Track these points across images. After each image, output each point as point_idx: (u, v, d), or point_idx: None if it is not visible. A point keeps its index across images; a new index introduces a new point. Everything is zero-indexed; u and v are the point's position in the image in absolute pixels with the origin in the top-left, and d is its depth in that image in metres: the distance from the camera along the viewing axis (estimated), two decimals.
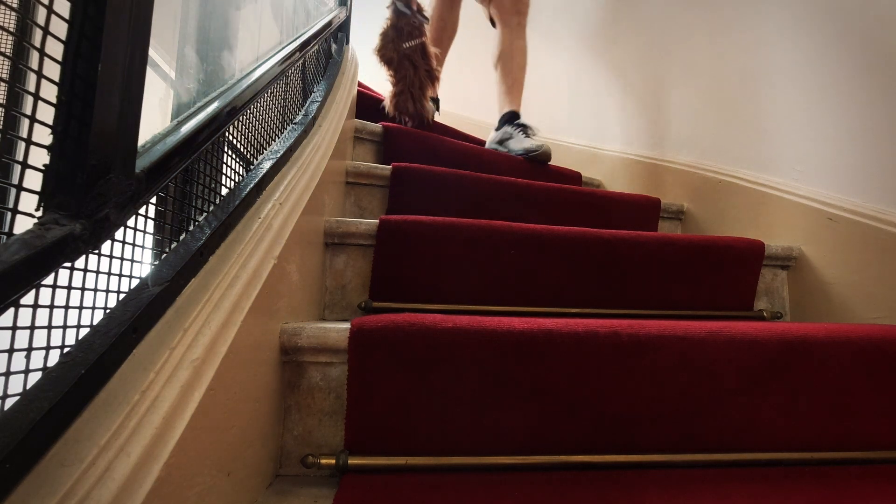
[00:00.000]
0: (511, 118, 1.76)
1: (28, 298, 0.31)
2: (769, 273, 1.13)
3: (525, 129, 1.73)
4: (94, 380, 0.35)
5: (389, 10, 1.69)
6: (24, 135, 0.31)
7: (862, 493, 0.60)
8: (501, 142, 1.76)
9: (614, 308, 1.01)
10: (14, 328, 0.31)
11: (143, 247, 0.45)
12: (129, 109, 0.39)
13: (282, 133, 0.88)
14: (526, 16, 1.81)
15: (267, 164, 0.72)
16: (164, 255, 0.48)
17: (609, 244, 1.02)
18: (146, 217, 0.45)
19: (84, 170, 0.35)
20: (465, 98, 2.80)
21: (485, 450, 0.64)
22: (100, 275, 0.39)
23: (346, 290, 0.96)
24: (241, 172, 0.68)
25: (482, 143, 1.90)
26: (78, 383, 0.33)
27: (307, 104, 1.08)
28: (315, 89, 1.19)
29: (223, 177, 0.63)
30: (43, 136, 0.33)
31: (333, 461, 0.61)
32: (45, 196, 0.34)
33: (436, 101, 1.98)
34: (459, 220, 1.00)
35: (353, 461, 0.61)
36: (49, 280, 0.33)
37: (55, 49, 0.34)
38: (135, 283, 0.43)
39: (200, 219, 0.55)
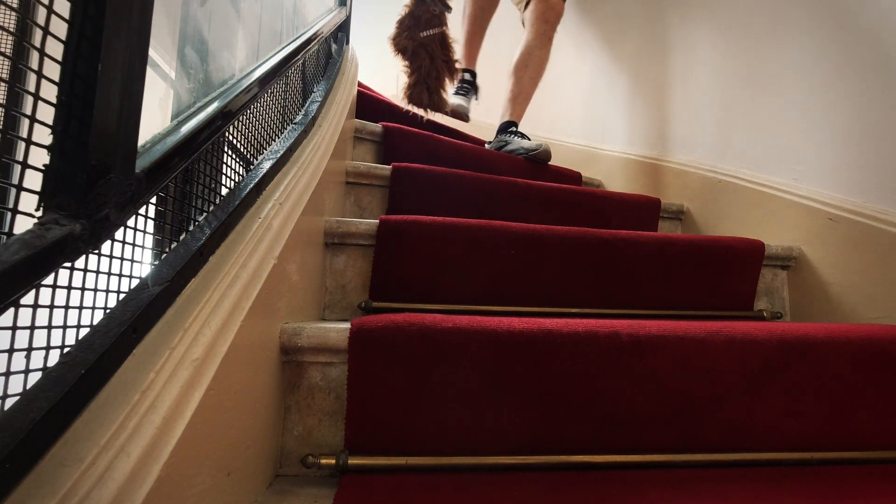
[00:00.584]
0: (507, 127, 1.74)
1: (28, 298, 0.31)
2: (769, 273, 1.13)
3: (521, 134, 1.71)
4: (94, 380, 0.35)
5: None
6: (24, 135, 0.31)
7: (862, 493, 0.60)
8: (498, 150, 1.74)
9: (614, 308, 1.01)
10: (14, 328, 0.31)
11: (143, 247, 0.45)
12: (129, 109, 0.39)
13: (282, 133, 0.88)
14: (554, 27, 1.72)
15: (267, 164, 0.72)
16: (165, 255, 0.48)
17: (609, 244, 1.02)
18: (146, 217, 0.45)
19: (84, 170, 0.35)
20: None
21: (485, 450, 0.64)
22: (100, 275, 0.39)
23: (346, 290, 0.96)
24: (241, 172, 0.68)
25: (482, 143, 1.90)
26: (78, 383, 0.33)
27: (307, 104, 1.08)
28: (315, 89, 1.19)
29: (223, 177, 0.63)
30: (43, 136, 0.33)
31: (333, 461, 0.61)
32: (45, 196, 0.34)
33: (473, 84, 1.91)
34: (459, 220, 1.00)
35: (353, 461, 0.61)
36: (49, 280, 0.33)
37: (55, 49, 0.34)
38: (135, 282, 0.43)
39: (200, 219, 0.55)
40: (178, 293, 0.46)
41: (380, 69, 3.21)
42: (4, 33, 0.32)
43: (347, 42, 1.80)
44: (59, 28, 0.34)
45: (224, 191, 0.62)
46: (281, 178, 0.75)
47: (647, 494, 0.58)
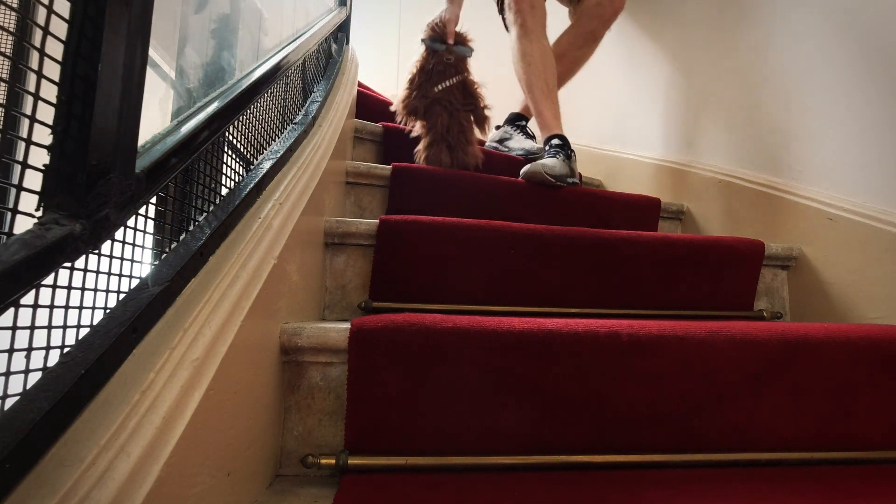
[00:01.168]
0: (515, 119, 1.63)
1: (28, 298, 0.31)
2: (769, 273, 1.13)
3: (525, 130, 1.61)
4: (94, 380, 0.35)
5: (420, 51, 1.41)
6: (24, 135, 0.31)
7: (862, 493, 0.60)
8: (501, 140, 1.66)
9: (614, 308, 1.01)
10: (14, 328, 0.31)
11: (143, 247, 0.45)
12: (129, 109, 0.39)
13: (282, 133, 0.88)
14: (607, 25, 1.52)
15: (267, 164, 0.72)
16: (164, 255, 0.48)
17: (609, 244, 1.02)
18: (146, 217, 0.45)
19: (84, 170, 0.35)
20: None
21: (485, 450, 0.64)
22: (100, 275, 0.39)
23: (346, 290, 0.96)
24: (241, 172, 0.68)
25: (482, 143, 1.89)
26: (78, 383, 0.33)
27: (307, 104, 1.08)
28: (315, 89, 1.19)
29: (223, 177, 0.63)
30: (43, 136, 0.33)
31: (333, 461, 0.61)
32: (45, 196, 0.34)
33: (563, 147, 1.32)
34: (459, 220, 1.00)
35: (353, 461, 0.61)
36: (49, 280, 0.33)
37: (55, 49, 0.34)
38: (135, 282, 0.43)
39: (200, 219, 0.55)
40: (178, 293, 0.46)
41: (380, 69, 3.21)
42: (4, 33, 0.32)
43: (347, 42, 1.80)
44: (59, 28, 0.34)
45: (224, 191, 0.62)
46: (281, 178, 0.75)
47: (647, 494, 0.58)
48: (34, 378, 0.33)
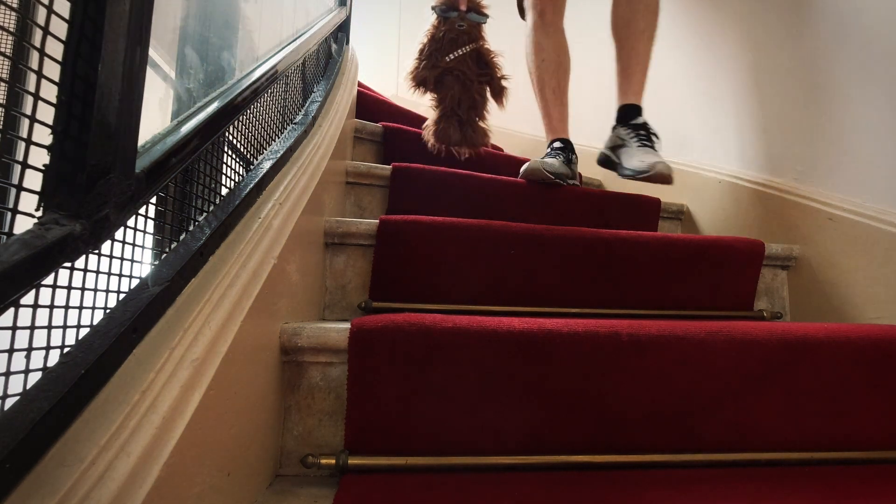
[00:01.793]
0: (626, 116, 1.25)
1: (28, 298, 0.31)
2: (769, 273, 1.13)
3: (644, 132, 1.21)
4: (94, 380, 0.35)
5: (431, 19, 1.30)
6: (24, 135, 0.31)
7: (861, 493, 0.60)
8: (614, 148, 1.29)
9: (614, 308, 1.01)
10: (14, 328, 0.31)
11: (143, 247, 0.45)
12: (129, 109, 0.39)
13: (282, 133, 0.88)
14: None
15: (267, 164, 0.72)
16: (164, 255, 0.48)
17: (609, 244, 1.02)
18: (146, 217, 0.45)
19: (84, 170, 0.35)
20: None
21: (485, 450, 0.64)
22: (100, 275, 0.39)
23: (346, 290, 0.96)
24: (241, 172, 0.68)
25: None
26: (78, 383, 0.33)
27: (307, 104, 1.08)
28: (315, 89, 1.19)
29: (223, 177, 0.63)
30: (43, 136, 0.33)
31: (333, 461, 0.61)
32: (45, 196, 0.34)
33: (565, 150, 1.26)
34: (459, 220, 1.00)
35: (352, 461, 0.61)
36: (49, 280, 0.33)
37: (55, 49, 0.34)
38: (135, 283, 0.43)
39: (200, 219, 0.55)
40: (178, 293, 0.46)
41: (380, 69, 3.21)
42: (4, 33, 0.32)
43: (347, 42, 1.80)
44: (59, 28, 0.34)
45: (224, 191, 0.62)
46: (281, 178, 0.75)
47: (647, 494, 0.58)
48: (34, 378, 0.33)
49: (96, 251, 0.38)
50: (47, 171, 0.34)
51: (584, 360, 0.67)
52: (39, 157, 0.33)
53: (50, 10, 0.33)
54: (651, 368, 0.68)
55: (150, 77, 0.43)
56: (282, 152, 0.77)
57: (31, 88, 0.32)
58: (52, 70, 0.34)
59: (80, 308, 0.37)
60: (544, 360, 0.66)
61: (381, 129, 1.55)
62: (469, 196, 1.26)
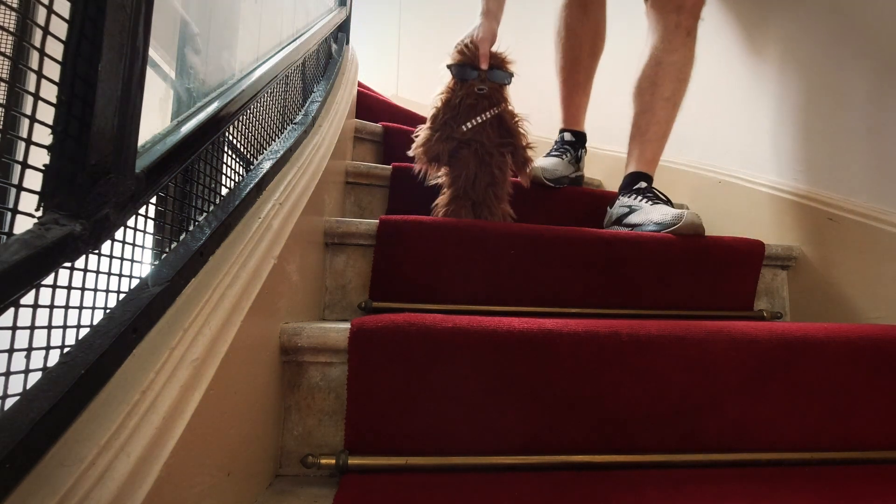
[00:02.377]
0: (632, 183, 1.14)
1: (28, 298, 0.31)
2: (769, 273, 1.13)
3: (652, 194, 1.13)
4: (94, 380, 0.35)
5: (446, 80, 1.08)
6: (24, 135, 0.31)
7: (862, 493, 0.60)
8: (620, 220, 1.15)
9: (614, 308, 1.01)
10: (14, 328, 0.31)
11: (142, 247, 0.45)
12: (129, 109, 0.39)
13: (282, 133, 0.88)
14: (693, 14, 1.14)
15: (267, 164, 0.72)
16: (164, 255, 0.48)
17: (609, 244, 1.02)
18: (146, 217, 0.45)
19: (84, 170, 0.35)
20: None
21: (485, 450, 0.65)
22: (100, 275, 0.39)
23: (346, 290, 0.96)
24: (241, 172, 0.68)
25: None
26: (78, 383, 0.33)
27: (307, 104, 1.08)
28: (315, 89, 1.19)
29: (223, 177, 0.63)
30: (43, 136, 0.33)
31: (333, 461, 0.61)
32: (45, 196, 0.34)
33: (574, 145, 1.20)
34: (459, 219, 1.00)
35: (352, 461, 0.61)
36: (49, 280, 0.33)
37: (55, 49, 0.34)
38: (135, 283, 0.43)
39: (200, 219, 0.55)
40: (178, 293, 0.46)
41: (380, 69, 3.22)
42: (4, 33, 0.32)
43: (347, 42, 1.80)
44: (59, 28, 0.34)
45: (224, 191, 0.62)
46: (281, 178, 0.75)
47: (648, 494, 0.58)
48: (34, 378, 0.33)
49: (96, 251, 0.38)
50: (47, 171, 0.34)
51: (584, 359, 0.67)
52: (39, 157, 0.33)
53: (50, 10, 0.33)
54: (651, 368, 0.68)
55: (150, 77, 0.43)
56: (282, 152, 0.77)
57: (31, 88, 0.32)
58: (53, 70, 0.34)
59: (80, 308, 0.37)
60: (544, 360, 0.66)
61: (381, 129, 1.55)
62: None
